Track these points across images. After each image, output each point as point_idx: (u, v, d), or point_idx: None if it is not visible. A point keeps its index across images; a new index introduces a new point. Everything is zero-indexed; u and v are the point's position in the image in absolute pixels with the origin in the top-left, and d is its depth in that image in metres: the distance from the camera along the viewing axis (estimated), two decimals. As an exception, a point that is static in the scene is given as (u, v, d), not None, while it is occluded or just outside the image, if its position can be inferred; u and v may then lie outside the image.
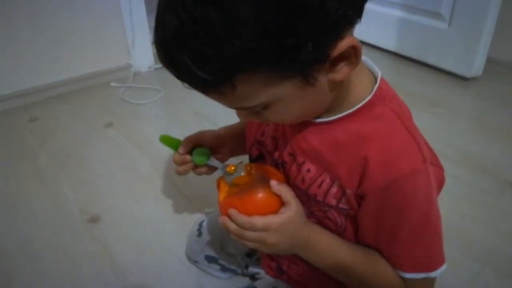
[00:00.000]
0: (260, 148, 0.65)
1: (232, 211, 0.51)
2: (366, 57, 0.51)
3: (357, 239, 0.55)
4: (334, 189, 0.51)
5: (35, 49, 1.73)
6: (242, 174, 0.60)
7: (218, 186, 0.60)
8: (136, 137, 1.50)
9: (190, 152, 0.68)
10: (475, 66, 1.81)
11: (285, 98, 0.43)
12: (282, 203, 0.51)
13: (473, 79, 1.84)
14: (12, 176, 1.31)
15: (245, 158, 0.71)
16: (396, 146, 0.47)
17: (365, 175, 0.47)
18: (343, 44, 0.39)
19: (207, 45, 0.36)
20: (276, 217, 0.50)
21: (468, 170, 1.26)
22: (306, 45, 0.37)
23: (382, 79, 0.50)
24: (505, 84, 1.85)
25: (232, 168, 0.62)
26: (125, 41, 1.97)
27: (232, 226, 0.51)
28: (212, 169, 0.70)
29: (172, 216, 1.13)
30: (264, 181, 0.53)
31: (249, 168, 0.60)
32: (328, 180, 0.51)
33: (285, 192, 0.51)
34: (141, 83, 1.93)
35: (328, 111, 0.50)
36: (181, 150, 0.67)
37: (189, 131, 0.72)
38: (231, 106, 0.45)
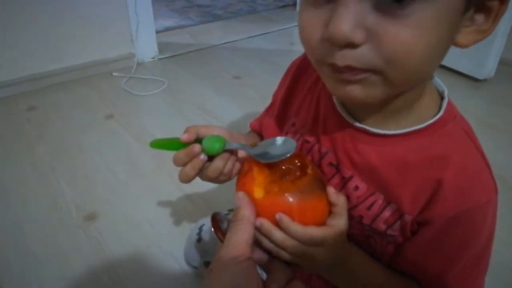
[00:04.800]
0: None
1: (285, 218, 0.41)
2: None
3: (392, 264, 0.49)
4: (387, 213, 0.45)
5: (35, 36, 1.69)
6: (288, 155, 0.43)
7: (247, 173, 0.45)
8: (137, 130, 1.46)
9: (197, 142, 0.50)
10: (488, 68, 1.77)
11: (439, 6, 0.32)
12: (329, 213, 0.44)
13: (485, 80, 1.81)
14: (7, 165, 1.28)
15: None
16: (472, 171, 0.42)
17: (434, 200, 0.42)
18: None
19: None
20: (332, 230, 0.43)
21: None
22: None
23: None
24: (518, 87, 1.81)
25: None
26: (129, 29, 1.92)
27: (278, 234, 0.41)
28: (231, 170, 0.50)
29: (172, 216, 1.09)
30: (322, 185, 0.44)
31: (297, 161, 0.46)
32: (380, 202, 0.45)
33: (342, 203, 0.43)
34: (144, 73, 1.89)
35: (384, 121, 0.44)
36: (184, 138, 0.48)
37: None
38: None
